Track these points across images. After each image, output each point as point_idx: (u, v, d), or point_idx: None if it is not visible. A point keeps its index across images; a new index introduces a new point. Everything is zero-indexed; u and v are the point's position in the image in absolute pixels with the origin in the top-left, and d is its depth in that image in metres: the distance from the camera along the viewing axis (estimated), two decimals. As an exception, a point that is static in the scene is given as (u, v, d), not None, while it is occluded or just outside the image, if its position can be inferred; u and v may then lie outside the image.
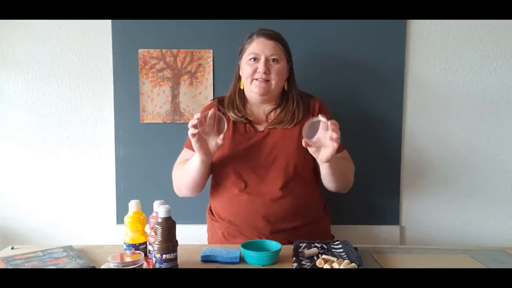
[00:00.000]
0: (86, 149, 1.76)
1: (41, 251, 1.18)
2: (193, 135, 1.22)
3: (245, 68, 1.37)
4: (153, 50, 1.70)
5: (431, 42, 1.71)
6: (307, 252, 1.16)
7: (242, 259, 1.14)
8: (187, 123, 1.24)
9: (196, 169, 1.32)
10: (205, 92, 1.71)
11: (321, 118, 1.16)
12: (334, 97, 1.63)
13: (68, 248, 1.20)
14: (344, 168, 1.38)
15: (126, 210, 1.13)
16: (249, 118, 1.41)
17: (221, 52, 1.69)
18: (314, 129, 1.17)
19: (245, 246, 1.14)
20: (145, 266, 1.02)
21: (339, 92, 1.70)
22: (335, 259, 1.07)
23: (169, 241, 1.03)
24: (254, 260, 1.11)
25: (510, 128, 1.74)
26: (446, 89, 1.72)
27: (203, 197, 1.47)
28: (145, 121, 1.72)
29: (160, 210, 1.04)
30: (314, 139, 1.18)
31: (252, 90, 1.37)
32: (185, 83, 1.71)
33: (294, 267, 1.08)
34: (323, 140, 1.17)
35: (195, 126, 1.21)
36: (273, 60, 1.35)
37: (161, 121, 1.72)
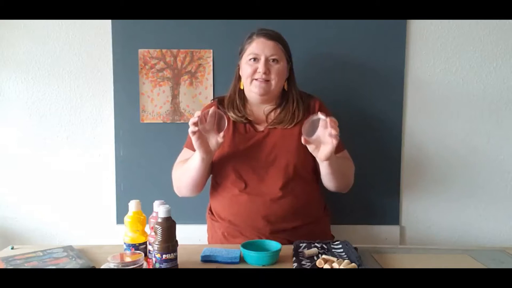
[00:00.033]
0: (86, 149, 1.76)
1: (41, 251, 1.18)
2: (194, 132, 1.22)
3: (245, 68, 1.37)
4: (153, 50, 1.70)
5: (431, 42, 1.71)
6: (307, 252, 1.16)
7: (242, 259, 1.14)
8: (187, 123, 1.24)
9: (196, 168, 1.32)
10: (205, 92, 1.71)
11: (320, 115, 1.17)
12: (334, 97, 1.63)
13: (68, 248, 1.20)
14: (344, 168, 1.38)
15: (126, 210, 1.13)
16: (249, 118, 1.41)
17: (221, 52, 1.69)
18: (314, 127, 1.18)
19: (245, 246, 1.14)
20: (145, 266, 1.02)
21: (339, 92, 1.70)
22: (335, 259, 1.07)
23: (169, 241, 1.03)
24: (254, 260, 1.11)
25: (510, 128, 1.74)
26: (446, 89, 1.72)
27: (203, 197, 1.47)
28: (145, 121, 1.72)
29: (160, 210, 1.04)
30: (314, 137, 1.19)
31: (252, 90, 1.37)
32: (185, 83, 1.71)
33: (294, 267, 1.08)
34: (322, 137, 1.18)
35: (195, 124, 1.21)
36: (273, 60, 1.35)
37: (161, 121, 1.72)
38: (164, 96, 1.71)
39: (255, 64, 1.36)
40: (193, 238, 1.59)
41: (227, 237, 1.37)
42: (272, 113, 1.42)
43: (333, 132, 1.14)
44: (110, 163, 1.75)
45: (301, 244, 1.22)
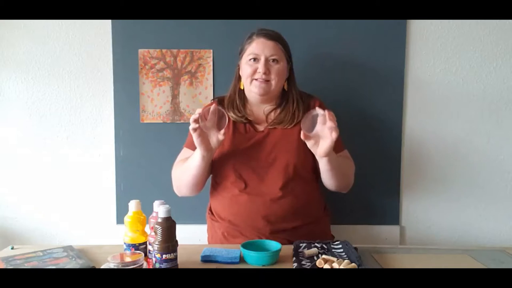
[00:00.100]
0: (86, 149, 1.76)
1: (41, 251, 1.18)
2: (194, 130, 1.22)
3: (245, 68, 1.37)
4: (153, 50, 1.70)
5: (431, 42, 1.71)
6: (307, 252, 1.16)
7: (242, 259, 1.14)
8: (187, 123, 1.24)
9: (196, 166, 1.31)
10: (205, 92, 1.71)
11: (318, 110, 1.18)
12: (334, 97, 1.63)
13: (68, 248, 1.20)
14: (343, 166, 1.38)
15: (126, 210, 1.13)
16: (249, 118, 1.41)
17: (221, 52, 1.69)
18: (313, 123, 1.20)
19: (245, 246, 1.14)
20: (145, 266, 1.02)
21: (339, 92, 1.70)
22: (335, 259, 1.07)
23: (169, 241, 1.03)
24: (254, 260, 1.11)
25: (510, 128, 1.74)
26: (446, 89, 1.72)
27: (203, 197, 1.47)
28: (145, 121, 1.72)
29: (160, 210, 1.04)
30: (313, 132, 1.21)
31: (252, 90, 1.37)
32: (185, 83, 1.71)
33: (294, 267, 1.08)
34: (321, 132, 1.19)
35: (196, 121, 1.21)
36: (273, 60, 1.35)
37: (161, 121, 1.72)
38: (164, 96, 1.71)
39: (255, 64, 1.36)
40: (193, 238, 1.60)
41: (227, 237, 1.37)
42: (272, 113, 1.42)
43: (332, 125, 1.14)
44: (110, 163, 1.75)
45: (301, 244, 1.22)
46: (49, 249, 1.19)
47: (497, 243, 1.77)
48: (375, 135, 1.72)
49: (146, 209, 1.14)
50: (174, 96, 1.71)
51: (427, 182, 1.76)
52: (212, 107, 1.24)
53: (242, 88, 1.43)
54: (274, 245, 1.16)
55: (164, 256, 1.02)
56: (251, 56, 1.36)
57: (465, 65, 1.71)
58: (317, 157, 1.28)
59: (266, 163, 1.36)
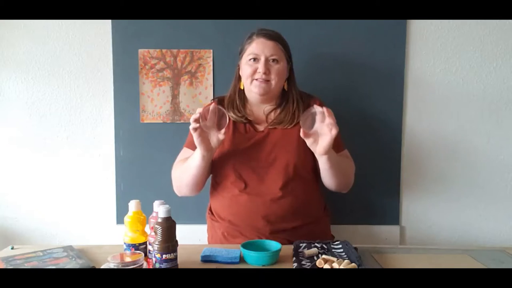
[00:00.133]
0: (86, 149, 1.76)
1: (41, 251, 1.18)
2: (195, 129, 1.22)
3: (245, 68, 1.37)
4: (153, 50, 1.70)
5: (431, 42, 1.71)
6: (307, 252, 1.16)
7: (242, 259, 1.14)
8: (187, 123, 1.24)
9: (196, 166, 1.31)
10: (205, 92, 1.71)
11: (316, 108, 1.19)
12: (334, 97, 1.63)
13: (68, 248, 1.20)
14: (343, 165, 1.38)
15: (126, 210, 1.13)
16: (249, 118, 1.41)
17: (221, 52, 1.69)
18: (311, 121, 1.21)
19: (245, 246, 1.14)
20: (145, 266, 1.02)
21: (339, 92, 1.70)
22: (335, 259, 1.07)
23: (169, 241, 1.03)
24: (254, 260, 1.11)
25: (510, 128, 1.74)
26: (446, 89, 1.72)
27: (203, 197, 1.47)
28: (145, 121, 1.72)
29: (160, 210, 1.04)
30: (312, 130, 1.22)
31: (252, 90, 1.37)
32: (185, 83, 1.71)
33: (294, 267, 1.08)
34: (320, 130, 1.20)
35: (196, 121, 1.21)
36: (273, 60, 1.35)
37: (161, 121, 1.72)
38: (164, 96, 1.71)
39: (255, 64, 1.36)
40: (193, 238, 1.60)
41: (227, 237, 1.37)
42: (272, 113, 1.42)
43: (331, 121, 1.15)
44: (110, 163, 1.75)
45: (301, 244, 1.22)
46: (49, 249, 1.19)
47: (497, 243, 1.77)
48: (375, 135, 1.72)
49: (146, 209, 1.14)
50: (174, 96, 1.71)
51: (427, 182, 1.76)
52: (212, 106, 1.24)
53: (242, 88, 1.43)
54: (274, 245, 1.16)
55: (164, 256, 1.02)
56: (251, 56, 1.36)
57: (465, 65, 1.71)
58: (316, 156, 1.28)
59: (266, 163, 1.36)
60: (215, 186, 1.42)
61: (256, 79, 1.36)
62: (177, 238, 1.06)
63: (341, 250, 1.19)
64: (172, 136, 1.70)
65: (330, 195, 1.47)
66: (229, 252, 1.16)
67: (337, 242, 1.23)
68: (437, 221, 1.78)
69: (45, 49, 1.72)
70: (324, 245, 1.22)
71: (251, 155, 1.36)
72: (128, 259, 0.99)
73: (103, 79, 1.73)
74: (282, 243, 1.17)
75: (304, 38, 1.67)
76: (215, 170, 1.41)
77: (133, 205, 1.12)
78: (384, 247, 1.28)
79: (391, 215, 1.76)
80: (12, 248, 1.23)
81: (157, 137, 1.72)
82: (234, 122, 1.41)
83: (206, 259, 1.13)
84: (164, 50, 1.70)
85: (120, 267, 0.97)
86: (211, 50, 1.69)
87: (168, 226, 1.03)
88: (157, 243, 1.03)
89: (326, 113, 1.17)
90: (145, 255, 1.09)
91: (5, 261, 1.09)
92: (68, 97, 1.74)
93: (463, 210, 1.77)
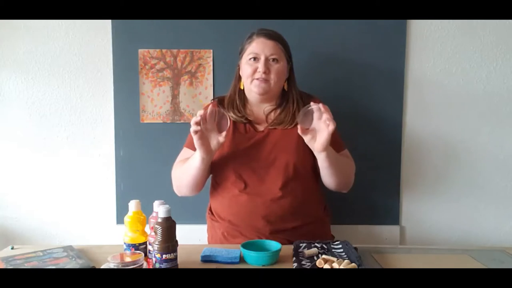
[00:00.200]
0: (86, 149, 1.76)
1: (41, 251, 1.18)
2: (196, 132, 1.22)
3: (245, 68, 1.37)
4: (153, 50, 1.70)
5: (431, 42, 1.71)
6: (307, 252, 1.16)
7: (242, 259, 1.14)
8: (187, 123, 1.24)
9: (196, 168, 1.31)
10: (205, 92, 1.71)
11: (312, 105, 1.20)
12: (334, 97, 1.63)
13: (68, 248, 1.20)
14: (343, 164, 1.38)
15: (126, 210, 1.13)
16: (249, 118, 1.41)
17: (221, 52, 1.69)
18: (309, 119, 1.22)
19: (245, 246, 1.14)
20: (145, 266, 1.02)
21: (339, 92, 1.70)
22: (335, 259, 1.07)
23: (169, 241, 1.03)
24: (254, 260, 1.11)
25: (510, 128, 1.74)
26: (446, 89, 1.72)
27: (203, 197, 1.47)
28: (145, 121, 1.72)
29: (160, 210, 1.04)
30: (311, 127, 1.23)
31: (252, 89, 1.37)
32: (185, 83, 1.71)
33: (294, 267, 1.08)
34: (317, 126, 1.21)
35: (197, 123, 1.21)
36: (273, 60, 1.35)
37: (161, 121, 1.72)
38: (164, 96, 1.71)
39: (255, 63, 1.36)
40: (193, 238, 1.59)
41: (227, 237, 1.37)
42: (272, 113, 1.42)
43: (328, 116, 1.16)
44: (110, 163, 1.75)
45: (301, 244, 1.22)
46: (49, 249, 1.19)
47: (497, 243, 1.77)
48: (375, 135, 1.72)
49: (146, 209, 1.14)
50: (174, 96, 1.71)
51: (427, 182, 1.76)
52: (210, 108, 1.24)
53: (242, 88, 1.43)
54: (274, 245, 1.16)
55: (164, 256, 1.02)
56: (251, 56, 1.36)
57: (465, 65, 1.71)
58: (315, 153, 1.28)
59: (266, 163, 1.36)
60: (215, 186, 1.42)
61: (256, 79, 1.36)
62: (177, 238, 1.06)
63: (341, 250, 1.19)
64: (172, 136, 1.70)
65: (330, 195, 1.47)
66: (229, 252, 1.16)
67: (337, 242, 1.23)
68: (437, 221, 1.78)
69: (45, 49, 1.72)
70: (324, 245, 1.22)
71: (251, 155, 1.36)
72: (128, 259, 0.99)
73: (103, 79, 1.73)
74: (282, 243, 1.17)
75: (304, 38, 1.67)
76: (215, 170, 1.41)
77: (133, 205, 1.12)
78: (384, 247, 1.28)
79: (391, 215, 1.76)
80: (12, 248, 1.23)
81: (157, 137, 1.72)
82: (234, 122, 1.41)
83: (206, 259, 1.13)
84: (164, 50, 1.70)
85: (120, 267, 0.97)
86: (211, 50, 1.69)
87: (168, 226, 1.03)
88: (157, 243, 1.03)
89: (322, 109, 1.18)
90: (145, 255, 1.09)
91: (5, 261, 1.09)
92: (68, 97, 1.74)
93: (463, 210, 1.77)
